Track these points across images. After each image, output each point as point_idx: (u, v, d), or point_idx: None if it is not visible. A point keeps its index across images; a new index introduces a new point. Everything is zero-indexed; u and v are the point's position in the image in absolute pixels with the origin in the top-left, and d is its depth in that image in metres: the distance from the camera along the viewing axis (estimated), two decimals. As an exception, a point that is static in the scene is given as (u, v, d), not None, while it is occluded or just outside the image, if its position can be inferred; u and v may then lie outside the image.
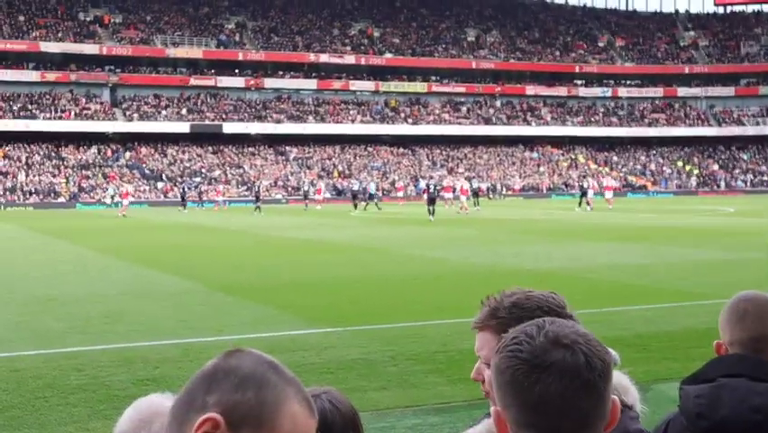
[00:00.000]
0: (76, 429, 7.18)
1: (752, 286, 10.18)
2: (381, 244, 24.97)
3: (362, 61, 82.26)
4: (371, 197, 53.64)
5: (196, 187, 64.72)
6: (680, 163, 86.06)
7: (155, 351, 10.09)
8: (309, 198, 55.44)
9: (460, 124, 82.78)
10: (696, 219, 36.22)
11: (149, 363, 9.40)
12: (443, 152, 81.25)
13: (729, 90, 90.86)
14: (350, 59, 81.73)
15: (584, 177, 63.21)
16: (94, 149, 71.23)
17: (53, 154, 69.71)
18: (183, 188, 59.70)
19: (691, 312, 12.15)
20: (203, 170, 71.55)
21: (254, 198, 52.51)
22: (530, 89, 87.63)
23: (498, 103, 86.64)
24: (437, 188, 44.34)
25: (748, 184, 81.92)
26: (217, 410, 1.27)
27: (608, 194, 50.24)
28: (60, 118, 69.87)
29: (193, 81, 76.67)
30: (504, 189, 73.65)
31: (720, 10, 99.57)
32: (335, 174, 74.12)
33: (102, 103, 73.24)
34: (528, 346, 1.44)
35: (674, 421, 2.36)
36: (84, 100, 72.49)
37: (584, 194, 48.44)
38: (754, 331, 2.40)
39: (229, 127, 74.39)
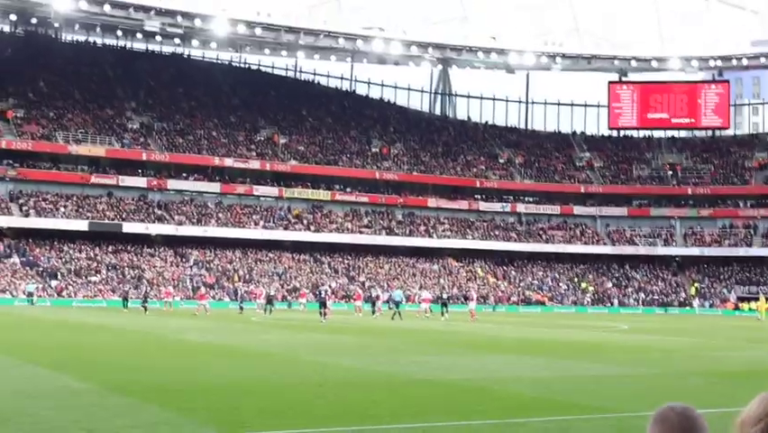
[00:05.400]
0: None
1: (648, 400, 10.44)
2: (281, 350, 24.71)
3: (267, 167, 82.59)
4: (398, 304, 52.09)
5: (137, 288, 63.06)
6: (575, 280, 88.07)
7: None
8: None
9: (362, 233, 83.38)
10: (591, 335, 36.91)
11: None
12: (345, 261, 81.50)
13: (622, 210, 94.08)
14: (254, 165, 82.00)
15: (443, 288, 70.11)
16: (-14, 244, 69.31)
17: (-58, 248, 67.47)
18: (126, 290, 58.56)
19: (593, 425, 12.33)
20: (100, 270, 70.13)
21: (143, 299, 52.79)
22: (432, 202, 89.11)
23: (399, 214, 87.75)
24: (327, 293, 49.08)
25: (640, 302, 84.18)
26: None
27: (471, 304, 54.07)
28: (-48, 211, 67.89)
29: (94, 180, 75.62)
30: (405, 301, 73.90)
31: (614, 133, 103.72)
32: (235, 279, 73.47)
33: (-2, 197, 71.57)
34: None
35: None
36: (-21, 194, 70.75)
37: (444, 304, 53.03)
38: None
39: (129, 227, 73.31)
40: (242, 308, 57.48)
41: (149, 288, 59.86)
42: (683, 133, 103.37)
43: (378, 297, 58.40)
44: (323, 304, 45.85)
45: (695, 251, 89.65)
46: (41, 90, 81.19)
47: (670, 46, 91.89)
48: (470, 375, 18.83)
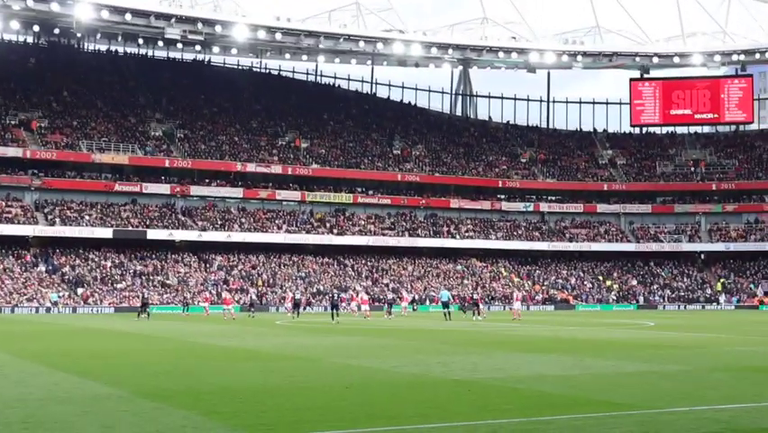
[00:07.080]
0: None
1: (674, 397, 10.47)
2: (307, 353, 24.77)
3: (289, 171, 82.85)
4: (446, 305, 51.96)
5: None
6: (600, 278, 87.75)
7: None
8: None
9: (385, 235, 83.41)
10: (617, 332, 36.75)
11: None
12: (368, 263, 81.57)
13: (646, 207, 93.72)
14: (276, 169, 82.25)
15: (475, 289, 71.70)
16: (13, 253, 69.90)
17: (-30, 258, 68.11)
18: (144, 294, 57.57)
19: (619, 421, 12.29)
20: (125, 277, 70.54)
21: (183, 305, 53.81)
22: (454, 202, 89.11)
23: (422, 215, 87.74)
24: (339, 296, 53.97)
25: (666, 299, 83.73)
26: None
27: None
28: (-21, 221, 68.48)
29: (118, 187, 76.18)
30: (429, 301, 74.12)
31: (637, 131, 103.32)
32: (259, 283, 73.67)
33: (23, 206, 72.15)
34: None
35: None
36: (4, 203, 71.34)
37: (476, 305, 52.65)
38: None
39: (153, 234, 73.75)
40: (250, 312, 57.96)
41: (147, 294, 58.71)
42: (707, 129, 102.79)
43: (401, 298, 58.29)
44: (335, 306, 48.16)
45: (720, 246, 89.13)
46: (64, 100, 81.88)
47: (691, 41, 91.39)
48: (496, 375, 18.81)
